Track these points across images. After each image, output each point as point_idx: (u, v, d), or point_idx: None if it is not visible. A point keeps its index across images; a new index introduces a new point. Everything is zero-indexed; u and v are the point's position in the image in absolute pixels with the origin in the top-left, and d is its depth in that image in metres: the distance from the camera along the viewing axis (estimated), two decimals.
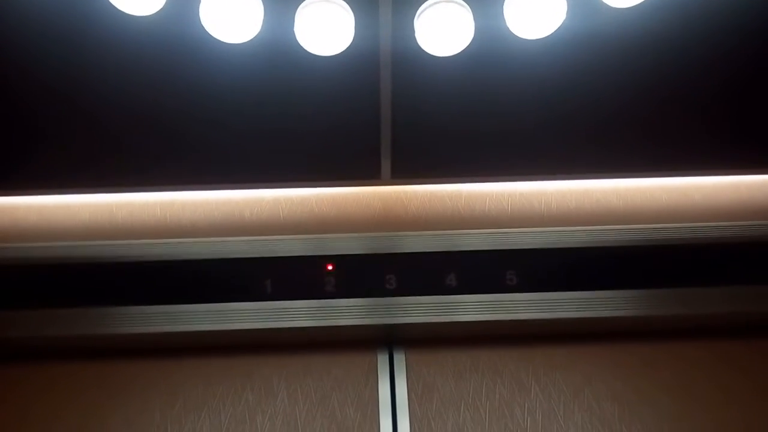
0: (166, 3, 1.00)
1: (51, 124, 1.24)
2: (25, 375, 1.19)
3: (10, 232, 1.31)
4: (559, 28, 1.06)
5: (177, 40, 1.08)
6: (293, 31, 1.05)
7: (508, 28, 1.07)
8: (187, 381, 1.19)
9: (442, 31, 1.06)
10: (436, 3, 1.05)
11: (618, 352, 1.24)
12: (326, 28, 1.05)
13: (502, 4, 1.06)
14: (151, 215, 1.33)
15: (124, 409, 1.17)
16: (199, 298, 1.22)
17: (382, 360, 1.23)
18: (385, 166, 1.31)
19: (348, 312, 1.22)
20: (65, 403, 1.17)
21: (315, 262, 1.26)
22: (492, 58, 1.14)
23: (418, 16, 1.06)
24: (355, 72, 1.14)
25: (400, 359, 1.23)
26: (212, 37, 1.04)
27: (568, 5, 1.05)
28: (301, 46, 1.06)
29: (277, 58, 1.11)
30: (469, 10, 1.06)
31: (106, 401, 1.17)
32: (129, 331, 1.19)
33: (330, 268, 1.25)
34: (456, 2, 1.06)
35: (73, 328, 1.19)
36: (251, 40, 1.05)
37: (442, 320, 1.22)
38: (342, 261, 1.26)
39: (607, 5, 1.06)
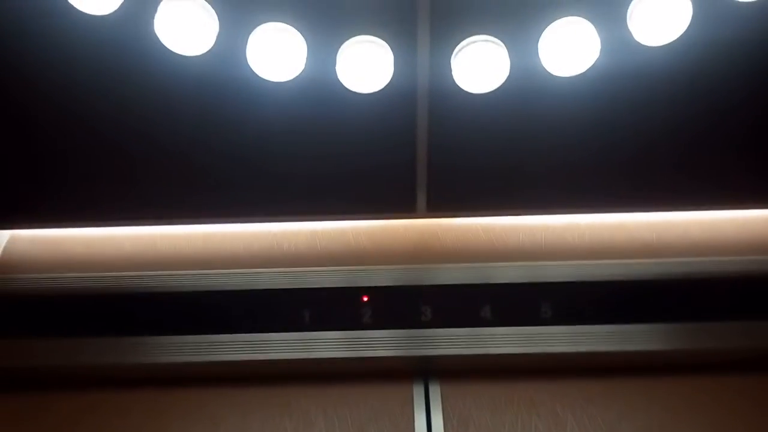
0: (214, 44, 1.05)
1: (95, 157, 1.28)
2: (65, 402, 1.22)
3: (57, 263, 1.35)
4: (592, 65, 1.09)
5: (223, 79, 1.12)
6: (335, 70, 1.09)
7: (542, 65, 1.10)
8: (226, 411, 1.21)
9: (479, 68, 1.10)
10: (473, 42, 1.09)
11: (653, 385, 1.23)
12: (367, 67, 1.09)
13: (537, 42, 1.09)
14: (192, 247, 1.37)
15: None
16: (238, 328, 1.25)
17: (418, 392, 1.24)
18: (421, 199, 1.34)
19: (384, 343, 1.24)
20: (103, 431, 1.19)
21: (351, 293, 1.28)
22: (526, 95, 1.17)
23: (456, 54, 1.10)
24: (393, 109, 1.18)
25: (435, 391, 1.24)
26: (258, 76, 1.08)
27: (601, 43, 1.08)
28: (343, 85, 1.10)
29: (318, 95, 1.15)
30: (505, 48, 1.09)
31: (144, 430, 1.19)
32: (168, 360, 1.22)
33: (366, 299, 1.27)
34: (492, 41, 1.09)
35: (113, 357, 1.22)
36: (295, 78, 1.09)
37: (478, 352, 1.23)
38: (378, 292, 1.28)
39: (640, 43, 1.08)
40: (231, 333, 1.24)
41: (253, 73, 1.08)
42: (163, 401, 1.22)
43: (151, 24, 1.03)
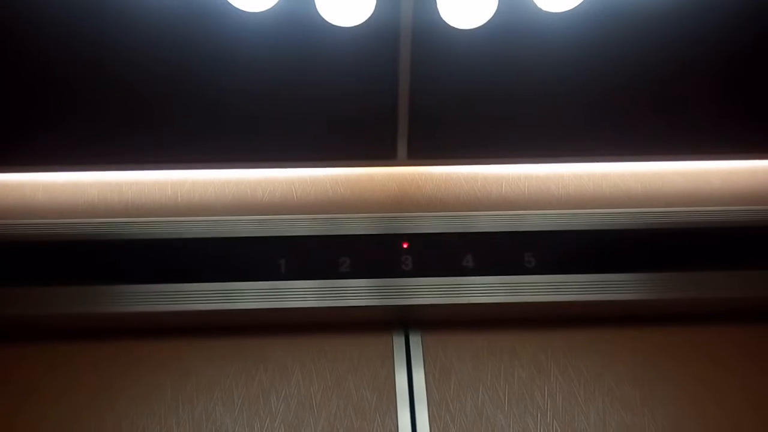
0: None
1: (57, 101, 1.21)
2: (33, 353, 1.17)
3: (18, 209, 1.28)
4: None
5: (192, 8, 1.05)
6: (313, 1, 1.03)
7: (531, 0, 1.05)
8: (199, 361, 1.17)
9: (465, 1, 1.04)
10: None
11: (636, 335, 1.22)
12: None
13: None
14: (161, 194, 1.31)
15: (134, 388, 1.14)
16: (210, 277, 1.19)
17: (398, 342, 1.21)
18: (402, 147, 1.29)
19: (363, 293, 1.20)
20: (73, 382, 1.14)
21: (329, 241, 1.23)
22: (514, 32, 1.12)
23: None
24: (374, 46, 1.12)
25: (416, 341, 1.21)
26: (230, 4, 1.01)
27: None
28: (321, 17, 1.04)
29: (295, 29, 1.09)
30: None
31: (115, 381, 1.15)
32: (139, 309, 1.17)
33: (345, 248, 1.23)
34: None
35: (82, 306, 1.16)
36: (270, 8, 1.02)
37: (459, 302, 1.19)
38: (357, 241, 1.24)
39: None
40: (204, 282, 1.19)
41: (226, 1, 1.00)
42: (134, 352, 1.17)
43: None
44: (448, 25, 1.07)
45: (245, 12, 1.03)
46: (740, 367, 1.18)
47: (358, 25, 1.06)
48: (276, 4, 1.02)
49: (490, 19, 1.06)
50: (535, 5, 1.05)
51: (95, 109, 1.22)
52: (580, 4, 1.04)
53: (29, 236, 1.21)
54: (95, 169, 1.31)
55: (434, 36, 1.11)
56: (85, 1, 1.06)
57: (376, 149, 1.31)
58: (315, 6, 1.03)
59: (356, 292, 1.19)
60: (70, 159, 1.30)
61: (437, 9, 1.05)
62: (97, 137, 1.26)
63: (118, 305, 1.17)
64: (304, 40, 1.11)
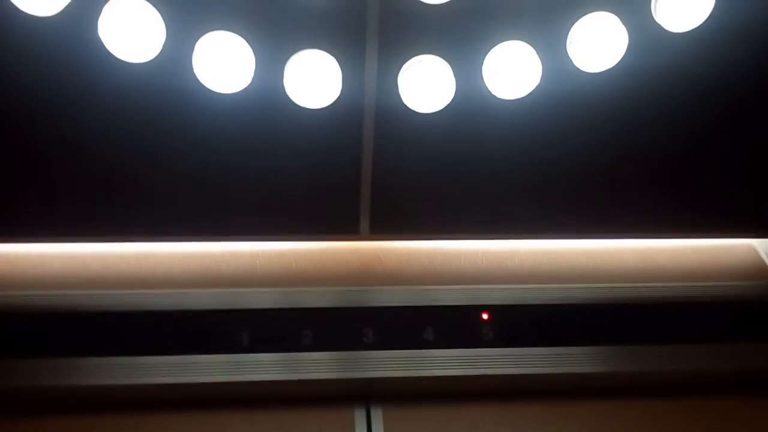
0: (161, 52, 1.03)
1: (22, 169, 1.23)
2: None
3: None
4: (534, 89, 1.13)
5: (168, 88, 1.10)
6: (283, 83, 1.08)
7: (486, 87, 1.13)
8: None
9: (425, 87, 1.12)
10: (420, 61, 1.11)
11: (592, 407, 1.24)
12: (315, 81, 1.09)
13: (482, 64, 1.12)
14: (125, 266, 1.31)
15: None
16: (172, 350, 1.19)
17: (359, 416, 1.21)
18: (364, 223, 1.33)
19: (325, 365, 1.21)
20: None
21: (292, 314, 1.25)
22: (470, 117, 1.18)
23: (403, 72, 1.11)
24: (340, 125, 1.18)
25: (377, 415, 1.21)
26: (204, 86, 1.06)
27: (542, 67, 1.11)
28: (290, 98, 1.10)
29: (265, 109, 1.14)
30: (450, 68, 1.12)
31: None
32: (96, 383, 1.15)
33: (308, 321, 1.24)
34: (438, 61, 1.12)
35: (35, 380, 1.15)
36: (242, 90, 1.08)
37: (420, 374, 1.21)
38: (319, 314, 1.26)
39: (579, 69, 1.13)
40: (165, 355, 1.19)
41: (200, 83, 1.06)
42: (90, 427, 1.14)
43: (95, 27, 1.00)
44: (409, 109, 1.14)
45: (216, 93, 1.08)
46: None
47: (324, 107, 1.12)
48: (247, 86, 1.07)
49: (448, 104, 1.13)
50: (490, 93, 1.13)
51: (57, 180, 1.24)
52: (529, 93, 1.12)
53: None
54: (58, 241, 1.31)
55: (396, 118, 1.17)
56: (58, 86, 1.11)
57: (339, 225, 1.34)
58: (284, 88, 1.09)
59: (318, 365, 1.21)
60: (34, 230, 1.30)
61: (399, 94, 1.12)
62: (59, 209, 1.27)
63: (74, 378, 1.15)
64: (273, 121, 1.16)
